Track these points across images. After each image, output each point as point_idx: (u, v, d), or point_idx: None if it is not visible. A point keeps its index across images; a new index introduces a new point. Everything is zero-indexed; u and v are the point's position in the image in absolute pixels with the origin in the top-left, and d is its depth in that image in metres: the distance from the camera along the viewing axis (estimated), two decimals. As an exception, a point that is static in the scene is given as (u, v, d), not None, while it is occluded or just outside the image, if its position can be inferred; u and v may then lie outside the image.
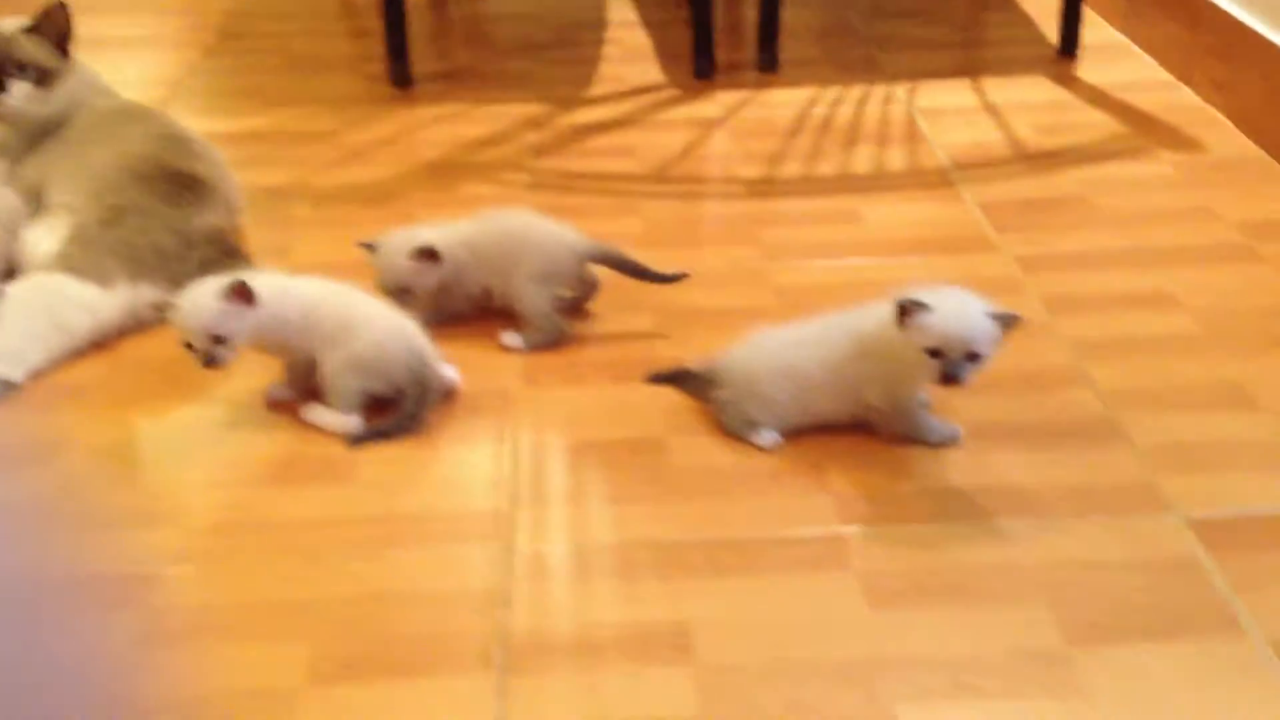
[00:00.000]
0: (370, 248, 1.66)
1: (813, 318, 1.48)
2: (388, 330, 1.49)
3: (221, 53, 2.70)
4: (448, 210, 1.99)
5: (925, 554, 1.26)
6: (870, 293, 1.48)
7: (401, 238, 1.65)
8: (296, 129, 2.33)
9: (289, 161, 2.20)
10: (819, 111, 2.36)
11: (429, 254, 1.62)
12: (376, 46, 2.69)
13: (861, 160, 2.16)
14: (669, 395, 1.54)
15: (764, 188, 2.08)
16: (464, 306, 1.69)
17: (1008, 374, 1.53)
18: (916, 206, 1.98)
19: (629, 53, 2.68)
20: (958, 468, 1.39)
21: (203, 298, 1.42)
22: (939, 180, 2.07)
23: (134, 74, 2.57)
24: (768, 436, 1.43)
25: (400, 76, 2.50)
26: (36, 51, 1.82)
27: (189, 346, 1.42)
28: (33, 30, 1.83)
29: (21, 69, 1.81)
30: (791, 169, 2.14)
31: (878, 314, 1.40)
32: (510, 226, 1.68)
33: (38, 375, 1.59)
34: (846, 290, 1.74)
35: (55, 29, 1.84)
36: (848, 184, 2.08)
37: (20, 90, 1.82)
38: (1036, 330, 1.63)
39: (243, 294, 1.42)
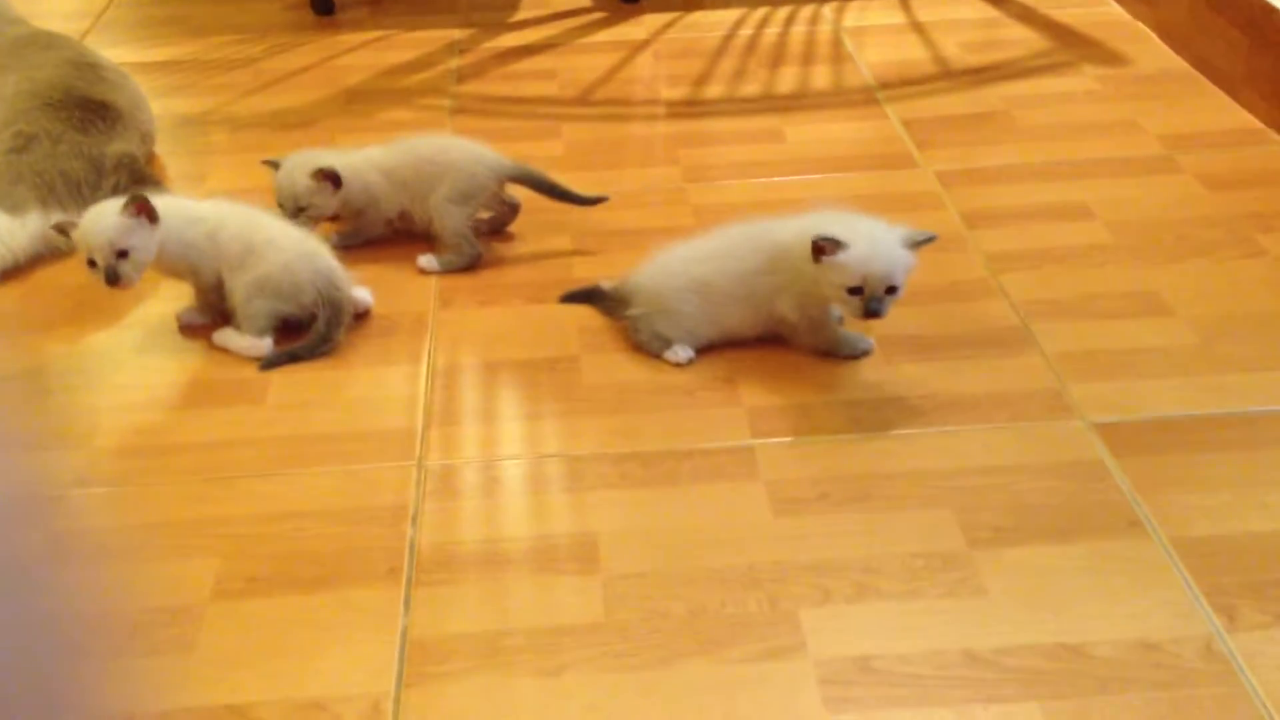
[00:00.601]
0: (274, 165, 1.64)
1: (716, 231, 1.47)
2: (295, 252, 1.47)
3: (139, -19, 2.64)
4: (367, 136, 1.96)
5: (833, 463, 1.27)
6: (789, 210, 1.48)
7: (305, 157, 1.63)
8: (217, 57, 2.29)
9: (208, 89, 2.16)
10: (745, 33, 2.34)
11: (329, 175, 1.61)
12: (298, -27, 2.64)
13: (786, 80, 2.14)
14: (585, 314, 1.54)
15: (687, 109, 2.06)
16: (381, 230, 1.68)
17: (923, 288, 1.53)
18: (840, 125, 1.97)
19: (557, -24, 2.64)
20: (870, 380, 1.39)
21: (105, 213, 1.40)
22: (863, 99, 2.06)
23: (55, 5, 2.51)
24: (681, 353, 1.43)
25: (322, 3, 2.45)
26: (-64, -24, 1.77)
27: (92, 264, 1.40)
28: (-68, -46, 1.78)
29: (-82, -6, 1.76)
30: (716, 90, 2.12)
31: (789, 227, 1.40)
32: (426, 151, 1.66)
33: (-56, 304, 1.56)
34: (765, 209, 1.74)
35: (-47, -46, 1.79)
36: (772, 104, 2.06)
37: (-81, 16, 1.77)
38: (953, 244, 1.64)
39: (144, 209, 1.40)
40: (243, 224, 1.48)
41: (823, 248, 1.32)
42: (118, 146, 1.73)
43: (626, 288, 1.49)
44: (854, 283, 1.31)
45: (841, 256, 1.31)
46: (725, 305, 1.42)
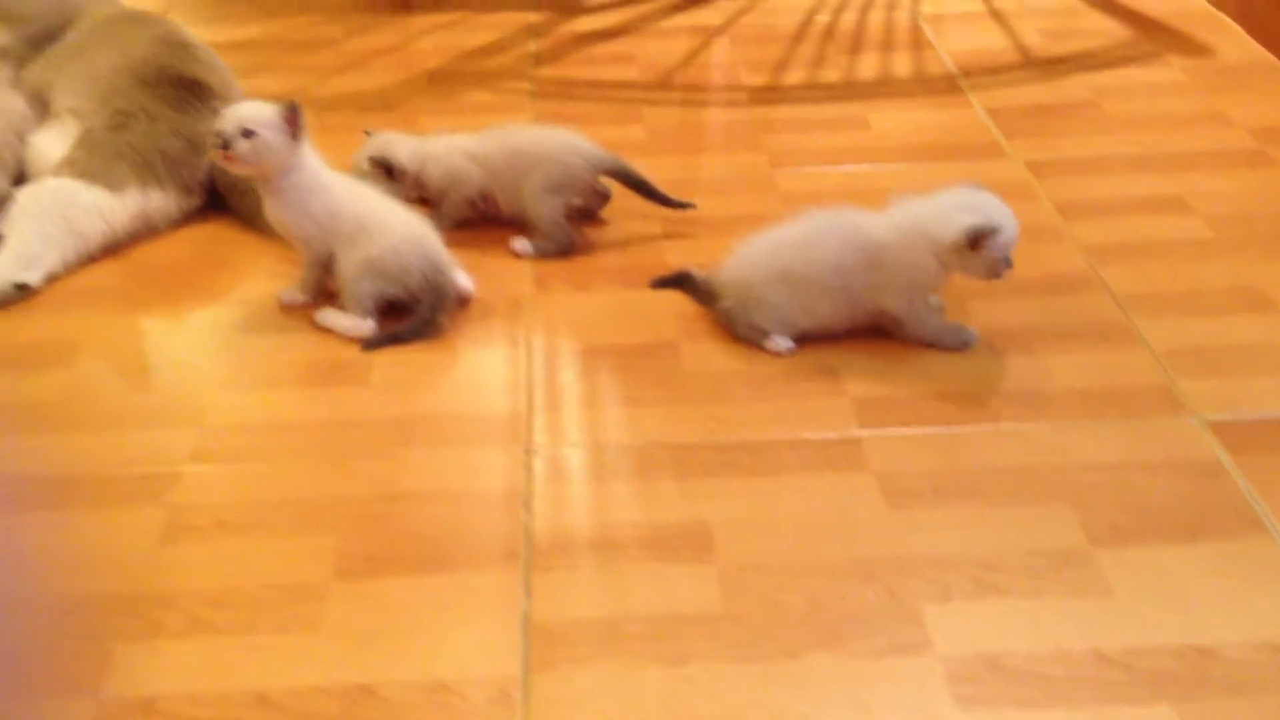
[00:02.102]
0: (368, 135, 1.69)
1: (798, 219, 1.46)
2: (405, 235, 1.48)
3: (215, -41, 2.64)
4: (449, 119, 1.97)
5: (943, 456, 1.27)
6: (879, 199, 1.48)
7: (382, 140, 1.67)
8: (297, 38, 2.29)
9: (290, 69, 2.16)
10: (822, 18, 2.33)
11: (381, 165, 1.64)
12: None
13: (867, 67, 2.14)
14: (678, 300, 1.54)
15: (768, 95, 2.06)
16: (466, 213, 1.68)
17: (1022, 279, 1.53)
18: (924, 113, 1.97)
19: (629, -41, 2.64)
20: (974, 372, 1.39)
21: (259, 102, 1.45)
22: (946, 87, 2.05)
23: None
24: (780, 342, 1.43)
25: (398, -17, 2.45)
26: (35, -49, 1.79)
27: (218, 136, 1.43)
28: (32, -70, 1.80)
29: (14, -30, 1.77)
30: (796, 76, 2.12)
31: (882, 223, 1.41)
32: (520, 141, 1.67)
33: (52, 279, 1.58)
34: (854, 197, 1.73)
35: (49, -69, 1.80)
36: (853, 91, 2.06)
37: (12, -8, 1.78)
38: (1049, 235, 1.63)
39: (293, 118, 1.44)
40: (358, 201, 1.49)
41: (981, 238, 1.33)
42: (212, 125, 1.74)
43: (715, 281, 1.49)
44: (1006, 254, 1.36)
45: (997, 239, 1.34)
46: (816, 295, 1.42)
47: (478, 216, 1.69)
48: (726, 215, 1.72)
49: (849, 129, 1.94)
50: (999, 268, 1.37)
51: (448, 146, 1.68)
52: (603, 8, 2.41)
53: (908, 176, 1.78)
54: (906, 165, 1.82)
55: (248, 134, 1.42)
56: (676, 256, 1.63)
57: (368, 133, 1.68)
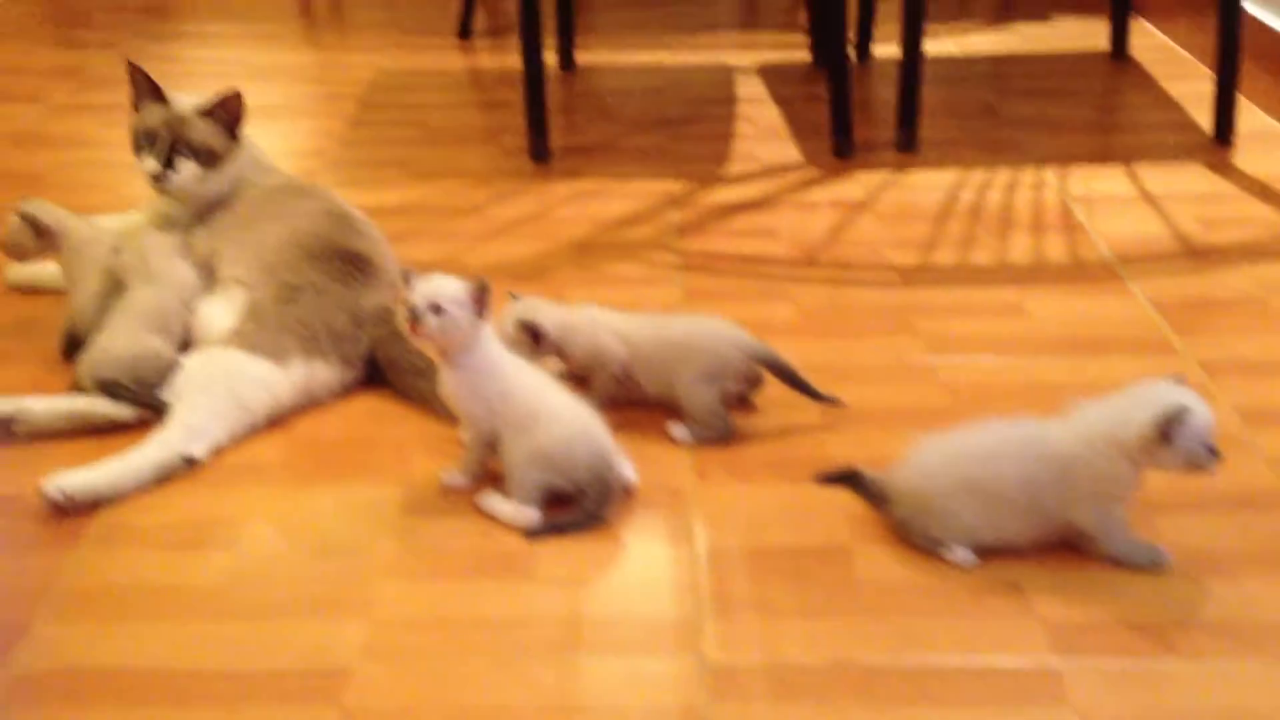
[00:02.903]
0: (515, 298, 1.69)
1: (980, 426, 1.43)
2: (575, 427, 1.46)
3: (363, 123, 2.71)
4: (597, 290, 1.98)
5: (1150, 693, 1.20)
6: (1048, 396, 1.44)
7: (528, 305, 1.67)
8: (441, 203, 2.33)
9: (438, 236, 2.19)
10: (966, 196, 2.32)
11: (530, 329, 1.64)
12: (509, 119, 2.70)
13: (1018, 249, 2.11)
14: (847, 499, 1.50)
15: (918, 275, 2.04)
16: (614, 390, 1.67)
17: (1209, 493, 1.46)
18: (1084, 302, 1.93)
19: (762, 129, 2.66)
20: (1173, 595, 1.33)
21: (450, 279, 1.46)
22: (1103, 273, 2.01)
23: (279, 144, 2.58)
24: (961, 554, 1.38)
25: (539, 151, 2.49)
26: (208, 134, 1.83)
27: (407, 308, 1.44)
28: (207, 113, 1.85)
29: (192, 150, 1.82)
30: (945, 256, 2.10)
31: (1070, 431, 1.36)
32: (674, 333, 1.66)
33: (217, 452, 1.58)
34: (1022, 393, 1.69)
35: (228, 114, 1.86)
36: (1007, 274, 2.03)
37: (187, 169, 1.83)
38: (1230, 444, 1.57)
39: (481, 299, 1.45)
40: (531, 387, 1.48)
41: (1171, 426, 1.29)
42: (374, 299, 1.76)
43: (888, 485, 1.45)
44: (1205, 440, 1.30)
45: (1190, 425, 1.29)
46: (1002, 510, 1.37)
47: (623, 396, 1.67)
48: (888, 406, 1.68)
49: (1006, 315, 1.90)
50: (1200, 458, 1.31)
51: (593, 320, 1.68)
52: (741, 179, 2.42)
53: (1075, 372, 1.74)
54: (1071, 360, 1.77)
55: (437, 310, 1.43)
56: (839, 449, 1.59)
57: (514, 296, 1.68)
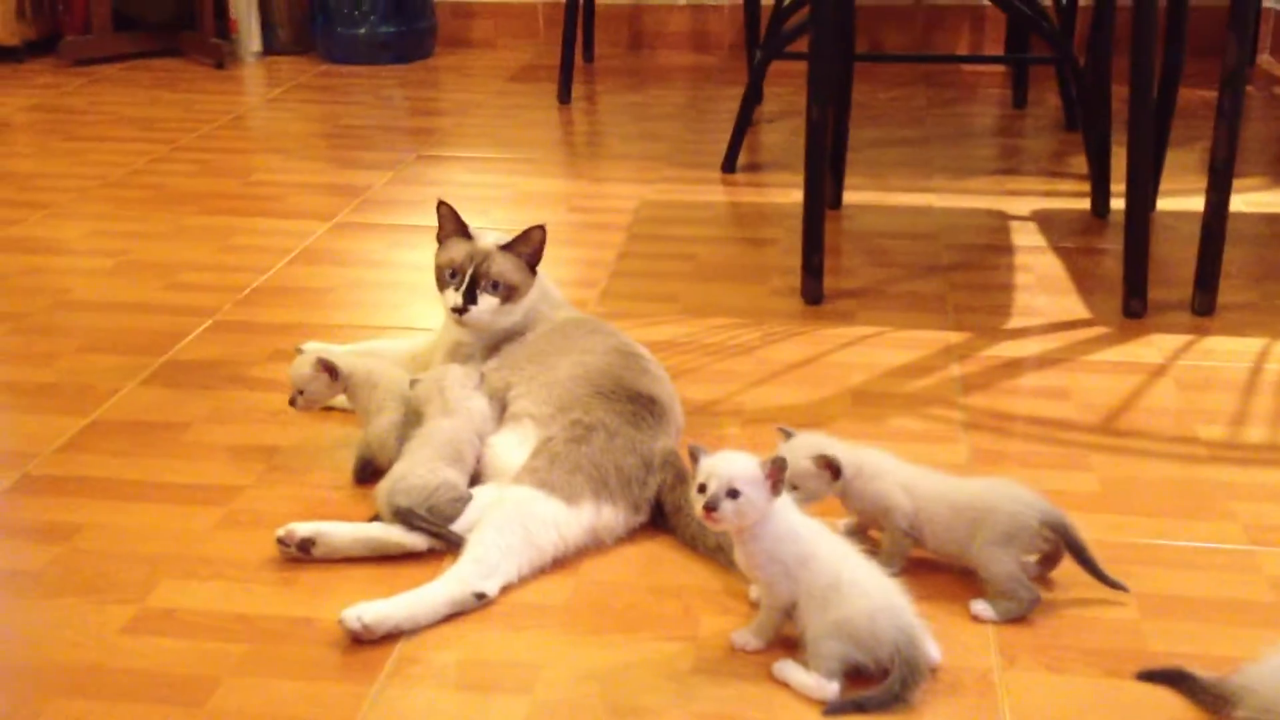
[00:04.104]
0: (786, 434, 1.63)
1: None
2: (881, 603, 1.39)
3: (630, 255, 2.74)
4: (879, 444, 1.90)
5: None
6: None
7: (810, 440, 1.61)
8: (714, 341, 2.31)
9: (713, 376, 2.17)
10: (1272, 367, 2.17)
11: (832, 466, 1.58)
12: (777, 257, 2.68)
13: (1339, 431, 1.96)
14: (1168, 698, 1.38)
15: (1228, 452, 1.90)
16: (909, 547, 1.60)
17: None
18: None
19: (1043, 281, 2.57)
20: None
21: (740, 455, 1.42)
22: None
23: (549, 272, 2.63)
24: (1319, 774, 1.25)
25: (813, 293, 2.46)
26: (509, 269, 1.87)
27: (701, 489, 1.41)
28: (509, 247, 1.88)
29: (494, 285, 1.85)
30: (1258, 433, 1.96)
31: None
32: (964, 496, 1.58)
33: (506, 589, 1.57)
34: (1366, 594, 1.55)
35: (530, 249, 1.89)
36: (1329, 458, 1.88)
37: (487, 304, 1.86)
38: None
39: (776, 475, 1.40)
40: (834, 556, 1.43)
41: None
42: (663, 443, 1.73)
43: (1233, 686, 1.33)
44: None
45: None
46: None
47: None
48: (1204, 596, 1.56)
49: (1333, 504, 1.75)
50: None
51: (878, 464, 1.61)
52: (1024, 333, 2.33)
53: None
54: None
55: (733, 494, 1.39)
56: (1160, 643, 1.48)
57: (787, 432, 1.63)
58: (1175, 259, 2.63)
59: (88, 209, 3.02)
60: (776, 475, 1.41)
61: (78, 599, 1.57)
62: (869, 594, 1.40)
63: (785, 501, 1.44)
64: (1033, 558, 1.59)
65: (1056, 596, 1.57)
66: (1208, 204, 2.34)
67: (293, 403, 1.86)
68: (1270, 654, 1.33)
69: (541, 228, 1.89)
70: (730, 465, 1.41)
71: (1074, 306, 2.44)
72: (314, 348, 2.16)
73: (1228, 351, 2.23)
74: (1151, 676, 1.42)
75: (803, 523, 1.45)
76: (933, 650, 1.43)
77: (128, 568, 1.63)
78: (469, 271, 1.85)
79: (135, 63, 4.40)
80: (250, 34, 4.42)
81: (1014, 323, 2.38)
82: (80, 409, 2.04)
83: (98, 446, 1.94)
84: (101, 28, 4.32)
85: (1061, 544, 1.56)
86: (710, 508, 1.39)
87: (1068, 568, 1.58)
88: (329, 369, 1.84)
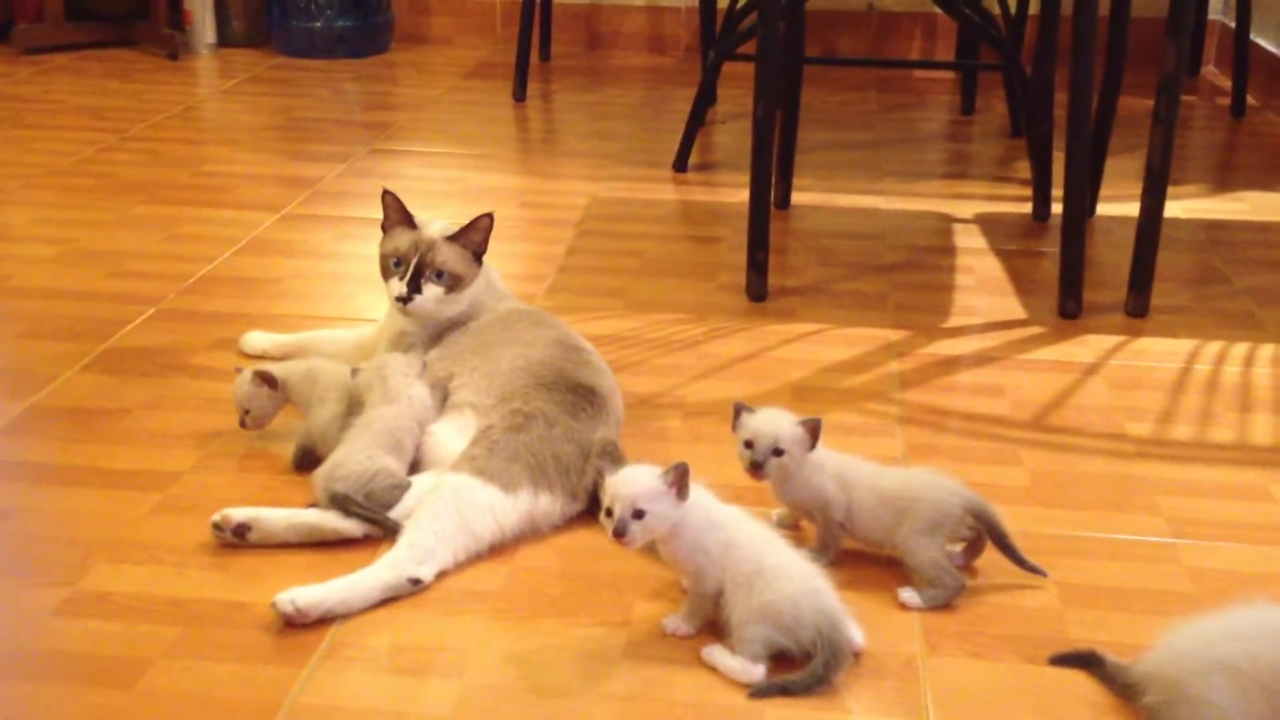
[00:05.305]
0: (745, 410, 1.63)
1: (1241, 608, 1.35)
2: (803, 587, 1.42)
3: (578, 250, 2.76)
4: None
5: None
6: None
7: (771, 419, 1.61)
8: (659, 335, 2.34)
9: (655, 370, 2.19)
10: (1201, 368, 2.22)
11: (266, 379, 1.76)
12: (723, 255, 2.71)
13: (1260, 430, 2.00)
14: (1087, 683, 1.42)
15: (1155, 449, 1.95)
16: (839, 538, 1.63)
17: None
18: (1340, 492, 1.81)
19: (983, 281, 2.61)
20: None
21: (641, 472, 1.43)
22: (1359, 463, 1.89)
23: (496, 265, 2.64)
24: (1220, 751, 1.28)
25: (757, 290, 2.49)
26: (454, 259, 1.88)
27: (608, 514, 1.42)
28: (455, 237, 1.89)
29: (438, 275, 1.87)
30: (1183, 431, 2.00)
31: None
32: (890, 485, 1.61)
33: (441, 576, 1.58)
34: (1276, 586, 1.59)
35: (476, 239, 1.90)
36: (1250, 456, 1.93)
37: (431, 293, 1.87)
38: None
39: (681, 482, 1.42)
40: (757, 543, 1.45)
41: None
42: (601, 433, 1.75)
43: (1135, 671, 1.37)
44: None
45: None
46: (1263, 699, 1.27)
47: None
48: (1126, 587, 1.60)
49: (1252, 500, 1.80)
50: None
51: (819, 457, 1.62)
52: (962, 331, 2.37)
53: (1334, 567, 1.63)
54: (1328, 552, 1.66)
55: (638, 514, 1.41)
56: (1081, 630, 1.51)
57: (746, 409, 1.63)
58: (1112, 262, 2.68)
59: (33, 196, 3.00)
60: (680, 482, 1.42)
61: (9, 581, 1.57)
62: (791, 579, 1.42)
63: (700, 495, 1.46)
64: (957, 546, 1.63)
65: (980, 584, 1.60)
66: (1143, 208, 2.39)
67: (243, 424, 1.85)
68: (1166, 637, 1.37)
69: (489, 215, 1.91)
70: (631, 486, 1.42)
71: (1012, 307, 2.49)
72: (258, 337, 2.16)
73: (1159, 352, 2.28)
74: (1064, 660, 1.46)
75: (722, 511, 1.47)
76: (856, 634, 1.46)
77: (61, 551, 1.64)
78: (414, 261, 1.87)
79: (88, 52, 4.37)
80: (205, 25, 4.41)
81: (953, 322, 2.42)
82: (18, 394, 2.04)
83: (34, 431, 1.94)
84: (54, 17, 4.29)
85: (984, 531, 1.60)
86: (619, 534, 1.41)
87: (991, 557, 1.62)
88: (267, 380, 1.83)
